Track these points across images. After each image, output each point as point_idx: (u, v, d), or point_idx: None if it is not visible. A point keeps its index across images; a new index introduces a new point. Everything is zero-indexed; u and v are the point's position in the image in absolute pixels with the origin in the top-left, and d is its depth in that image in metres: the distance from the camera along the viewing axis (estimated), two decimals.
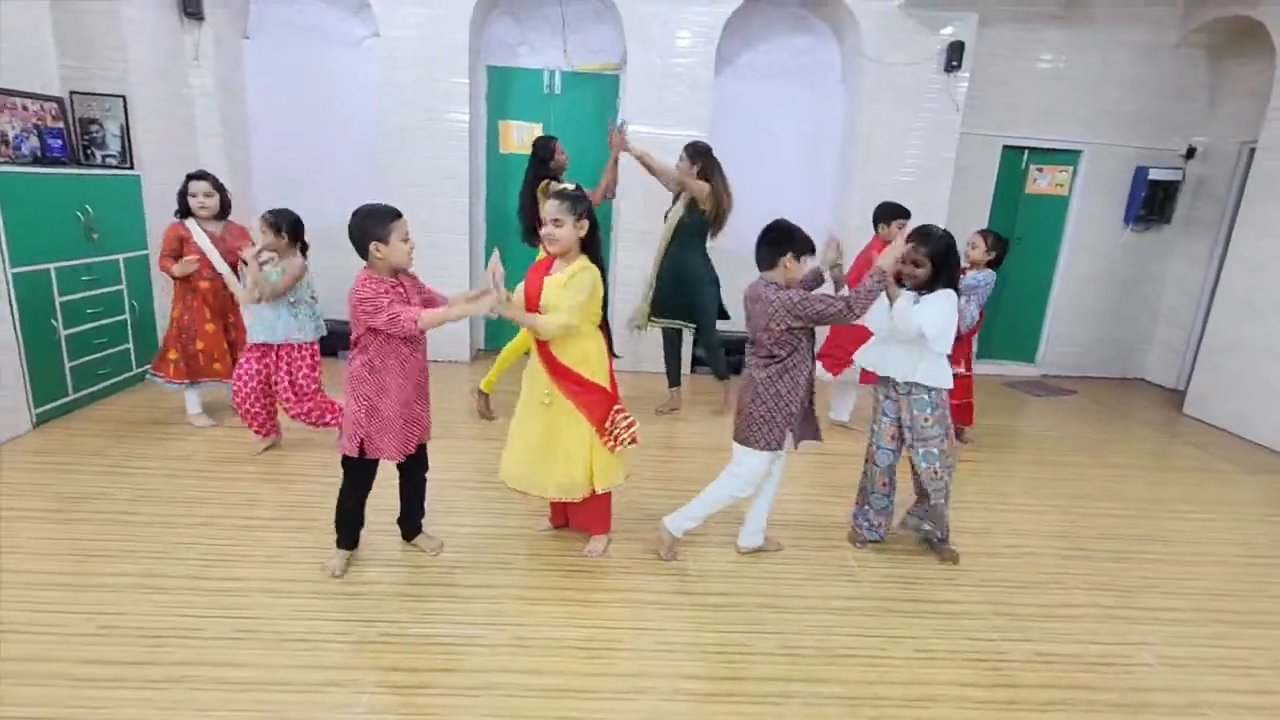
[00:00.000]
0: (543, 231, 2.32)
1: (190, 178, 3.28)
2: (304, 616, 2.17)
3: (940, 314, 2.43)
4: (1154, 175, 5.46)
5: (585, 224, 2.34)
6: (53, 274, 3.47)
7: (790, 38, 5.11)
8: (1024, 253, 5.74)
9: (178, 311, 3.37)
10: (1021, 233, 5.78)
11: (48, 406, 3.50)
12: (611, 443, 2.45)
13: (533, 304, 2.35)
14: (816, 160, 5.27)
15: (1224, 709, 2.03)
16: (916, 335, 2.43)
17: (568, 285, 2.29)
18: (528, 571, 2.50)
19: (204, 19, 4.42)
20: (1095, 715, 1.98)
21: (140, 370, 4.09)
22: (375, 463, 2.33)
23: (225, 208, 3.41)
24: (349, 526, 2.40)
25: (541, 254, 2.46)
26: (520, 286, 2.41)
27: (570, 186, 2.37)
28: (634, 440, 2.46)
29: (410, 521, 2.57)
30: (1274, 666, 2.25)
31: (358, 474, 2.33)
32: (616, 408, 2.47)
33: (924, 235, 2.49)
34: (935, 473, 2.57)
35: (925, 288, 2.50)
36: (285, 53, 4.87)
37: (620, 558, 2.62)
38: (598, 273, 2.37)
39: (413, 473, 2.50)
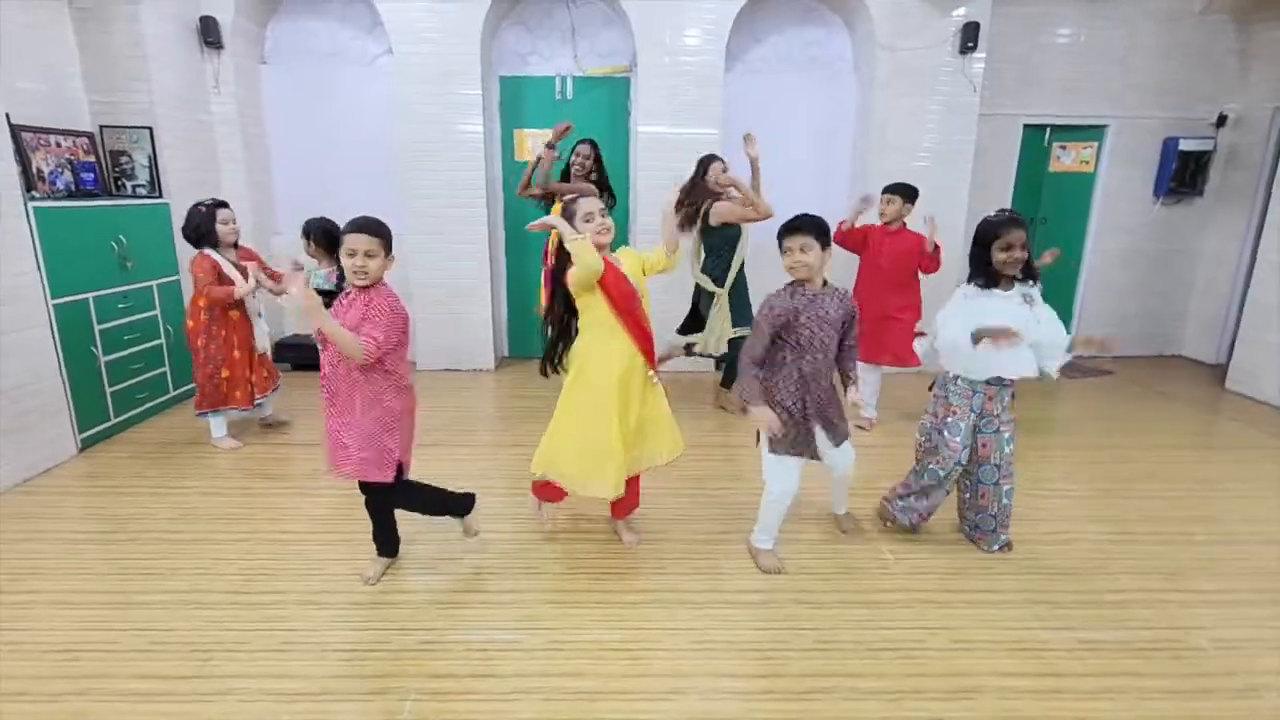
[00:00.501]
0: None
1: (216, 206, 3.35)
2: (344, 626, 2.21)
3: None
4: (1184, 146, 5.31)
5: None
6: (91, 303, 3.59)
7: (800, 29, 5.07)
8: (1051, 232, 5.63)
9: (202, 341, 3.42)
10: (1046, 213, 5.67)
11: (91, 432, 3.61)
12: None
13: (625, 282, 2.38)
14: (831, 151, 5.23)
15: None
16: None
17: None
18: (558, 575, 2.52)
19: (223, 47, 4.53)
20: (1147, 703, 1.92)
21: (178, 393, 4.21)
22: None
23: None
24: (374, 533, 2.48)
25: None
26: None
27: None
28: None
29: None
30: None
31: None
32: None
33: (1012, 218, 2.45)
34: (1010, 456, 2.59)
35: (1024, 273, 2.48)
36: (302, 75, 4.98)
37: (651, 558, 2.62)
38: None
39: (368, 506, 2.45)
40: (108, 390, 3.71)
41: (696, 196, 3.86)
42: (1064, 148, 5.53)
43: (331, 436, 2.27)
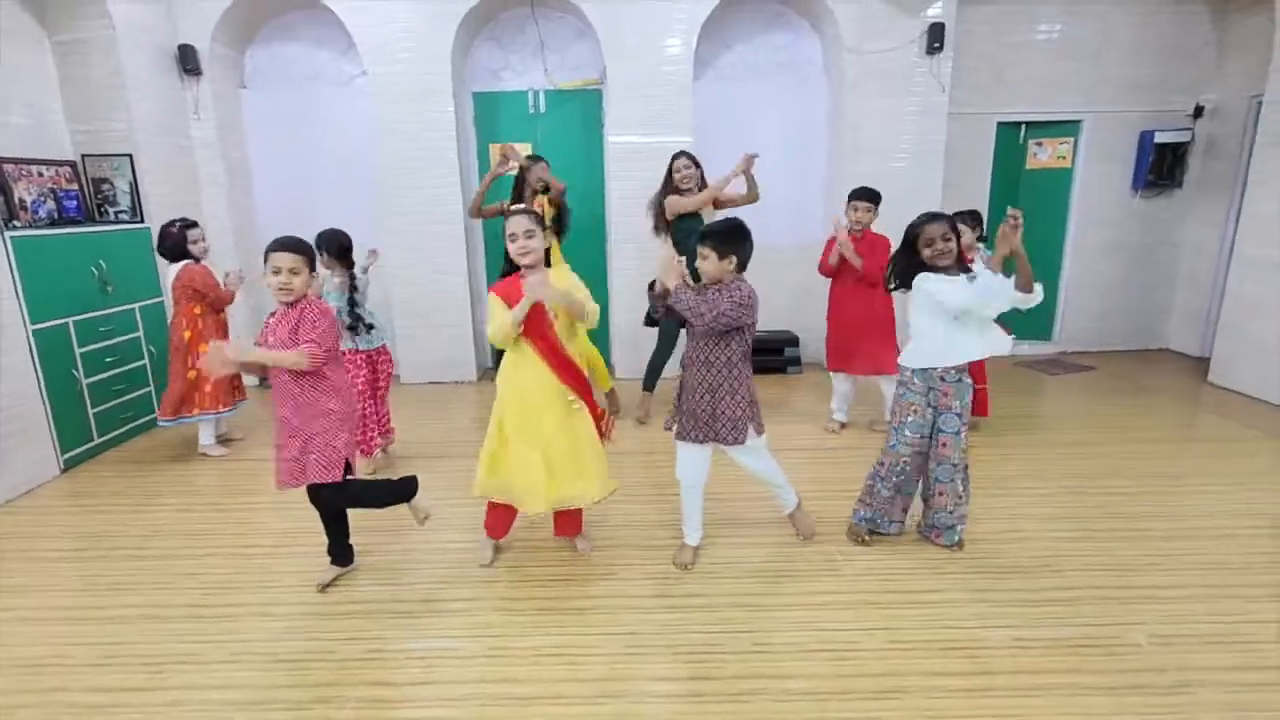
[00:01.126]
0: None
1: (186, 226, 3.48)
2: (295, 637, 2.27)
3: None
4: (1160, 138, 5.29)
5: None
6: (71, 327, 3.70)
7: (768, 35, 5.12)
8: (1030, 228, 5.57)
9: (205, 347, 3.46)
10: (1025, 210, 5.63)
11: (74, 452, 3.72)
12: (605, 435, 2.60)
13: (543, 319, 2.39)
14: (806, 155, 5.26)
15: (1215, 686, 1.97)
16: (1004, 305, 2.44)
17: (572, 281, 2.46)
18: (510, 584, 2.57)
19: (202, 74, 4.66)
20: (1076, 699, 1.94)
21: None
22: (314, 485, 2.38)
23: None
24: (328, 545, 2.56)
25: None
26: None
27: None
28: (615, 427, 2.65)
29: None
30: (1276, 640, 2.16)
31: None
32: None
33: (928, 215, 2.53)
34: (965, 453, 2.61)
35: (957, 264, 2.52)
36: (281, 98, 5.09)
37: (602, 564, 2.67)
38: None
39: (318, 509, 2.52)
40: (90, 411, 3.82)
41: (662, 193, 3.98)
42: (1040, 144, 5.52)
43: (283, 451, 2.35)
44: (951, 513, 2.67)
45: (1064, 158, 5.52)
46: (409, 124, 4.79)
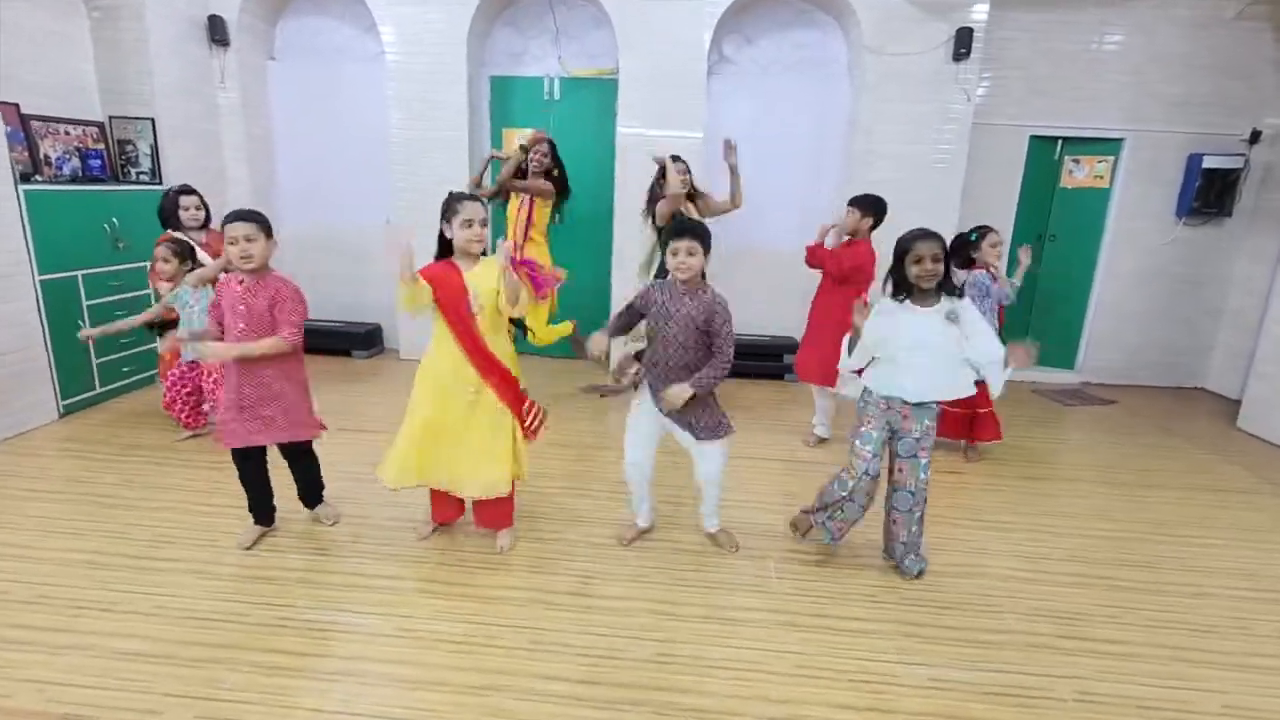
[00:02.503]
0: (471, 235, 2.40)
1: (181, 192, 3.58)
2: (216, 597, 2.33)
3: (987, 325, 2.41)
4: (1209, 163, 4.93)
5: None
6: (80, 280, 3.88)
7: (791, 32, 4.98)
8: (1060, 250, 5.34)
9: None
10: (1056, 230, 5.36)
11: (74, 399, 3.91)
12: (531, 434, 2.57)
13: (460, 296, 2.39)
14: (821, 156, 5.10)
15: None
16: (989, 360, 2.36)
17: (502, 274, 2.37)
18: (438, 566, 2.57)
19: (229, 44, 4.81)
20: None
21: None
22: (247, 449, 2.53)
23: (208, 219, 3.70)
24: (250, 503, 2.67)
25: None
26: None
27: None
28: (546, 427, 2.60)
29: (303, 500, 2.82)
30: (1219, 714, 1.99)
31: (233, 456, 2.58)
32: (529, 399, 2.55)
33: (922, 232, 2.40)
34: (926, 484, 2.51)
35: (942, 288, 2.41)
36: (308, 71, 5.22)
37: (534, 556, 2.65)
38: None
39: (292, 465, 2.73)
40: (94, 362, 4.01)
41: (651, 196, 3.92)
42: (1077, 161, 5.22)
43: (244, 417, 2.46)
44: (905, 544, 2.56)
45: (1102, 177, 5.21)
46: (422, 105, 4.85)
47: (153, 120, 4.44)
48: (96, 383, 4.04)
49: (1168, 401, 5.14)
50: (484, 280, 2.38)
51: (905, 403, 2.45)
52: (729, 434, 2.55)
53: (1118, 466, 3.84)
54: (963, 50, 4.47)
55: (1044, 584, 2.62)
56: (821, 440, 3.91)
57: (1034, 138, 5.11)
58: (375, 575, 2.50)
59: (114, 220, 4.06)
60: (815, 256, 3.69)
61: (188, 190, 3.61)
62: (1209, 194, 4.99)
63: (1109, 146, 5.12)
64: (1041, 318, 5.42)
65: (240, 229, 2.34)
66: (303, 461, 2.73)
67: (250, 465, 2.58)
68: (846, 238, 3.66)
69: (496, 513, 2.64)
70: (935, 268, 2.36)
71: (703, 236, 2.39)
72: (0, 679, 1.93)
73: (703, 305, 2.39)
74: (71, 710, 1.83)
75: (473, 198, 2.42)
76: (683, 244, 2.37)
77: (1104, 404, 5.04)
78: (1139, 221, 5.18)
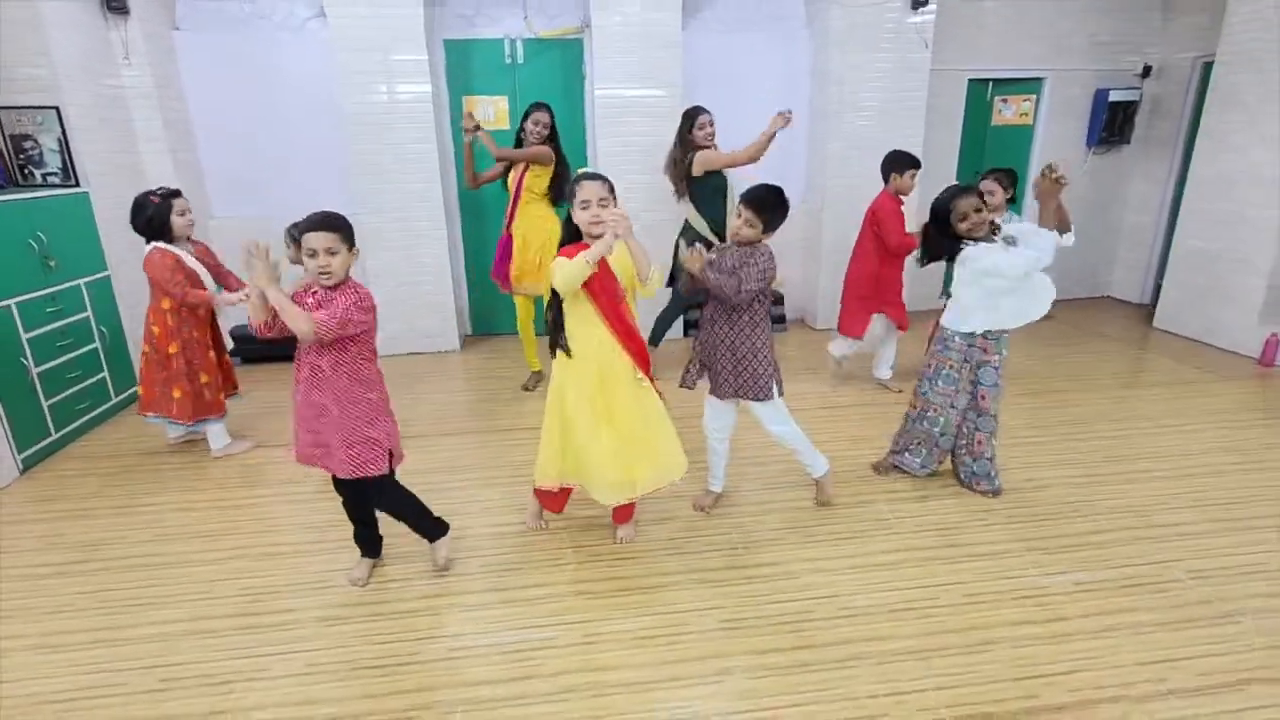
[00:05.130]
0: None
1: (171, 195, 3.04)
2: (370, 641, 2.14)
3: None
4: (1114, 97, 5.56)
5: None
6: (15, 310, 3.24)
7: None
8: None
9: (176, 347, 3.13)
10: (990, 166, 5.83)
11: (31, 450, 3.31)
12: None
13: (610, 277, 2.25)
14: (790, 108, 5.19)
15: (1256, 614, 2.18)
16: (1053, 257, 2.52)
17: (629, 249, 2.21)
18: (579, 565, 2.50)
19: (128, 13, 4.06)
20: (1142, 637, 2.10)
21: (120, 398, 3.90)
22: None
23: None
24: (356, 535, 2.45)
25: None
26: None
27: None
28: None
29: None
30: None
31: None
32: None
33: (956, 189, 2.60)
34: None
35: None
36: (221, 42, 4.54)
37: (662, 540, 2.64)
38: None
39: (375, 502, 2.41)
40: (44, 404, 3.39)
41: (684, 151, 3.89)
42: (1005, 101, 5.70)
43: (307, 436, 2.18)
44: (991, 460, 2.83)
45: (1026, 115, 5.73)
46: (372, 74, 4.38)
47: (57, 109, 3.69)
48: (51, 427, 3.43)
49: (1089, 310, 5.87)
50: (618, 260, 2.26)
51: (986, 336, 2.67)
52: (765, 398, 2.54)
53: (1084, 373, 4.38)
54: (921, 0, 4.69)
55: (1100, 484, 2.99)
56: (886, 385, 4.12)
57: (971, 80, 5.50)
58: (520, 587, 2.39)
59: (40, 235, 3.39)
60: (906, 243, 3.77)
61: (176, 193, 3.06)
62: (1114, 125, 5.65)
63: (1032, 86, 5.63)
64: None
65: (320, 240, 2.00)
66: (382, 500, 2.36)
67: (344, 490, 2.33)
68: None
69: (629, 504, 2.57)
70: (980, 217, 2.60)
71: (759, 203, 2.43)
72: None
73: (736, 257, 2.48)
74: None
75: (594, 176, 2.25)
76: (742, 209, 2.45)
77: (1045, 319, 5.65)
78: (1059, 153, 5.74)
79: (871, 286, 3.88)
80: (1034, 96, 5.66)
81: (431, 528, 2.43)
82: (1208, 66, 5.00)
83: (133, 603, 2.34)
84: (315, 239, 2.02)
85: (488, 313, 5.33)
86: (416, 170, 4.57)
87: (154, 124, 4.29)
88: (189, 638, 2.16)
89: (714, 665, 2.01)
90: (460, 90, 4.85)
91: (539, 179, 3.86)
